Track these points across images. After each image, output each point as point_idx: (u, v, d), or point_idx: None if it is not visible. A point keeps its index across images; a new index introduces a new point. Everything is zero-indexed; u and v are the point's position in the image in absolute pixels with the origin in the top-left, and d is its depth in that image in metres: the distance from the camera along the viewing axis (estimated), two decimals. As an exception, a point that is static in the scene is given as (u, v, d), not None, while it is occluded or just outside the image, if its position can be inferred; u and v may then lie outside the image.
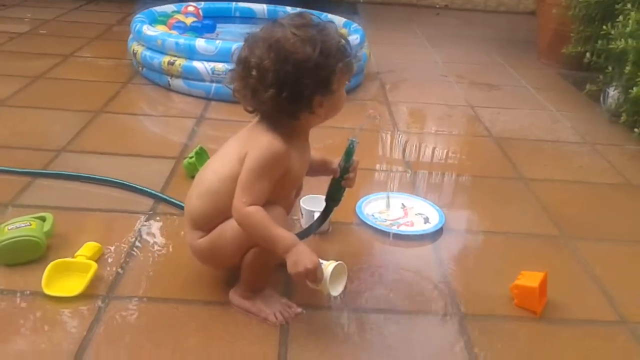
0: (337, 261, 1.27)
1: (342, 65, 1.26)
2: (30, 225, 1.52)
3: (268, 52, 1.21)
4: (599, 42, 2.82)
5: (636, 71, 2.49)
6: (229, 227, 1.30)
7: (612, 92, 2.89)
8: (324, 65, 1.22)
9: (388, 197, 1.89)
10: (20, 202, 1.78)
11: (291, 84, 1.21)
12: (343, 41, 1.28)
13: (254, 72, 1.23)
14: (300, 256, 1.23)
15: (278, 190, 1.31)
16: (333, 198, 1.48)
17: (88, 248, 1.52)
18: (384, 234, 1.76)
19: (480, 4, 5.40)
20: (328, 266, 1.25)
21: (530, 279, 1.48)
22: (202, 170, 1.42)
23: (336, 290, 1.27)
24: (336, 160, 1.44)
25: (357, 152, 1.41)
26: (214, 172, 1.35)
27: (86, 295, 1.39)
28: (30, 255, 1.49)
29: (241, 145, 1.31)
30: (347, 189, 1.47)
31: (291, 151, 1.29)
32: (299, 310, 1.39)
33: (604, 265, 1.70)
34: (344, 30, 3.20)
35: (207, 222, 1.35)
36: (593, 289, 1.60)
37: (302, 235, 1.51)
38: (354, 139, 1.40)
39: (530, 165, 2.32)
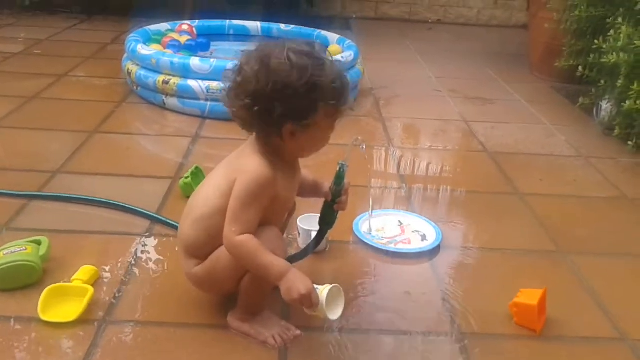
0: (332, 284, 1.26)
1: (325, 105, 1.23)
2: (26, 249, 1.51)
3: (257, 64, 1.23)
4: (591, 56, 2.84)
5: (628, 85, 2.51)
6: (224, 254, 1.30)
7: (605, 106, 2.91)
8: (303, 97, 1.21)
9: (370, 216, 1.86)
10: (15, 226, 1.77)
11: (264, 102, 1.22)
12: (339, 84, 1.25)
13: (238, 78, 1.25)
14: (293, 283, 1.23)
15: (269, 214, 1.31)
16: (326, 222, 1.48)
17: (84, 272, 1.51)
18: (382, 252, 1.75)
19: (472, 18, 5.45)
20: (323, 290, 1.24)
21: (529, 296, 1.47)
22: (193, 196, 1.41)
23: (334, 314, 1.26)
24: (327, 184, 1.44)
25: (352, 170, 1.41)
26: (204, 199, 1.35)
27: (83, 320, 1.38)
28: (26, 280, 1.48)
29: (229, 170, 1.32)
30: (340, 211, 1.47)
31: (278, 176, 1.29)
32: (298, 332, 1.38)
33: (601, 280, 1.70)
34: (337, 47, 3.21)
35: (200, 250, 1.35)
36: (591, 305, 1.60)
37: (297, 258, 1.51)
38: (344, 163, 1.39)
39: (526, 180, 2.33)
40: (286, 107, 1.22)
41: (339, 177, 1.40)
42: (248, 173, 1.26)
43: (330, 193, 1.43)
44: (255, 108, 1.24)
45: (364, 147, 1.38)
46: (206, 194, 1.35)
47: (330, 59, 1.28)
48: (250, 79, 1.23)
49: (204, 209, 1.33)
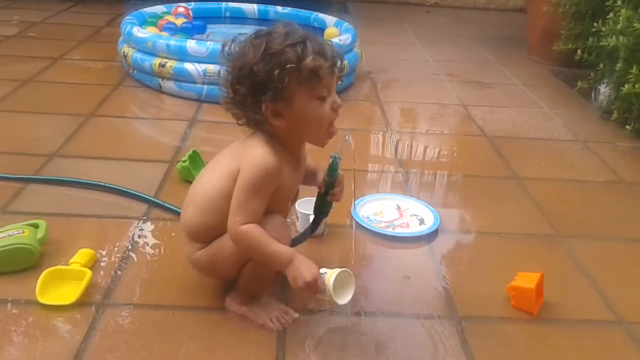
0: (341, 268, 1.26)
1: (287, 71, 1.19)
2: (23, 232, 1.51)
3: (226, 57, 1.27)
4: (590, 39, 2.84)
5: (627, 68, 2.50)
6: (227, 241, 1.29)
7: (604, 89, 2.91)
8: (259, 71, 1.20)
9: (353, 210, 1.78)
10: (12, 209, 1.76)
11: (234, 89, 1.25)
12: (299, 46, 1.20)
13: (224, 77, 1.29)
14: (299, 271, 1.23)
15: (273, 203, 1.30)
16: (320, 212, 1.47)
17: (82, 255, 1.50)
18: (379, 235, 1.76)
19: (469, 1, 5.41)
20: (331, 276, 1.24)
21: (526, 280, 1.48)
22: (196, 182, 1.40)
23: (344, 298, 1.26)
24: (322, 174, 1.43)
25: (348, 155, 1.40)
26: (207, 186, 1.34)
27: (81, 303, 1.38)
28: (23, 264, 1.48)
29: (233, 158, 1.30)
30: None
31: (283, 165, 1.28)
32: (296, 315, 1.38)
33: (598, 264, 1.71)
34: (334, 30, 3.19)
35: (203, 235, 1.34)
36: (588, 288, 1.61)
37: (292, 244, 1.51)
38: (336, 155, 1.37)
39: (524, 164, 2.33)
40: (249, 86, 1.22)
41: (332, 169, 1.39)
42: (253, 162, 1.25)
43: (324, 184, 1.42)
44: (236, 98, 1.25)
45: (350, 138, 1.36)
46: (209, 179, 1.34)
47: (295, 28, 1.24)
48: (226, 75, 1.27)
49: (207, 193, 1.32)
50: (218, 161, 1.37)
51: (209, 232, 1.33)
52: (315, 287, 1.23)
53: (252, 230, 1.24)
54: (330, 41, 1.32)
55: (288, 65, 1.19)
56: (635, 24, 2.43)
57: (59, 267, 1.46)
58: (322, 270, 1.26)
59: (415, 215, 1.88)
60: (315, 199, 1.48)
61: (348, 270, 1.28)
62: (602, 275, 1.66)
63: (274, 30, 1.23)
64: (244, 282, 1.37)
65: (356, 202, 1.89)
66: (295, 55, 1.20)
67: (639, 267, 1.74)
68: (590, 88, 3.03)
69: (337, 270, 1.25)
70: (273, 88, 1.21)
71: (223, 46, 1.28)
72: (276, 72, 1.19)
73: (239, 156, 1.29)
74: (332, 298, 1.24)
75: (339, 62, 1.27)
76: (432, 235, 1.79)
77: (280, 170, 1.27)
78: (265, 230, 1.25)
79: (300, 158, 1.38)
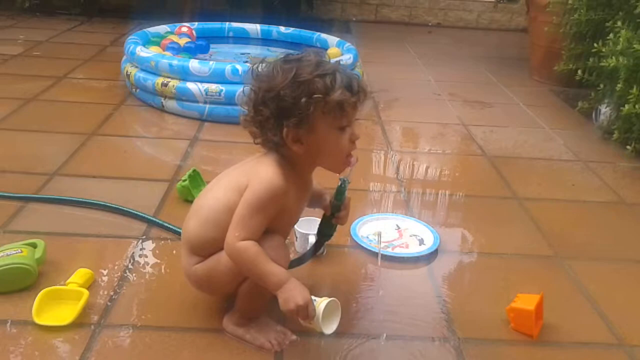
0: (330, 298, 1.26)
1: (313, 101, 1.21)
2: (22, 252, 1.51)
3: (253, 77, 1.27)
4: (591, 59, 2.84)
5: (627, 89, 2.50)
6: (225, 256, 1.29)
7: (604, 110, 2.91)
8: (286, 96, 1.22)
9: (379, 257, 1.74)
10: (11, 228, 1.76)
11: (257, 110, 1.26)
12: (328, 78, 1.22)
13: (247, 95, 1.29)
14: (291, 293, 1.22)
15: (275, 225, 1.30)
16: (324, 234, 1.47)
17: (80, 275, 1.50)
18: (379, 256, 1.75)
19: (472, 21, 5.45)
20: (320, 303, 1.23)
21: (526, 301, 1.47)
22: (203, 195, 1.40)
23: (329, 328, 1.26)
24: (328, 196, 1.43)
25: (352, 171, 1.40)
26: (213, 199, 1.34)
27: (78, 323, 1.38)
28: (21, 283, 1.48)
29: (242, 175, 1.31)
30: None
31: (290, 188, 1.28)
32: (294, 337, 1.37)
33: (599, 285, 1.70)
34: (336, 50, 3.21)
35: (204, 249, 1.34)
36: (589, 310, 1.60)
37: (293, 265, 1.50)
38: (345, 178, 1.38)
39: (524, 184, 2.32)
40: (273, 109, 1.23)
41: (340, 192, 1.39)
42: (262, 181, 1.26)
43: (330, 207, 1.42)
44: (256, 118, 1.27)
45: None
46: (216, 192, 1.34)
47: (326, 59, 1.27)
48: (250, 94, 1.28)
49: (212, 206, 1.33)
50: (228, 175, 1.37)
51: (209, 245, 1.33)
52: (305, 312, 1.22)
53: (250, 247, 1.24)
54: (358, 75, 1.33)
55: (315, 95, 1.21)
56: (635, 45, 2.44)
57: (56, 287, 1.46)
58: (312, 297, 1.25)
59: (415, 235, 1.88)
60: (319, 220, 1.48)
61: (336, 300, 1.27)
62: (603, 297, 1.64)
63: (305, 58, 1.25)
64: (242, 302, 1.36)
65: (356, 221, 1.89)
66: (324, 86, 1.22)
67: (639, 289, 1.72)
68: (591, 108, 3.03)
69: (326, 299, 1.25)
70: (298, 115, 1.22)
71: (252, 65, 1.29)
72: (303, 100, 1.21)
73: (248, 173, 1.30)
74: (319, 326, 1.23)
75: (363, 97, 1.29)
76: (431, 256, 1.78)
77: (287, 192, 1.27)
78: (263, 249, 1.25)
79: (307, 182, 1.39)
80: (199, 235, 1.34)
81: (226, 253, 1.27)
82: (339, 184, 1.38)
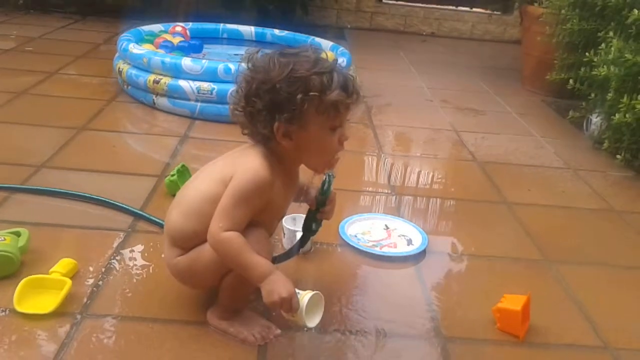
0: (313, 291, 1.24)
1: (308, 98, 1.20)
2: (4, 240, 1.49)
3: (248, 66, 1.25)
4: (582, 69, 2.86)
5: (618, 98, 2.52)
6: (207, 249, 1.27)
7: (595, 119, 2.92)
8: (283, 90, 1.20)
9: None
10: (-4, 218, 1.74)
11: (252, 101, 1.24)
12: (325, 76, 1.21)
13: (239, 84, 1.28)
14: (275, 285, 1.21)
15: (260, 218, 1.29)
16: (309, 229, 1.46)
17: (63, 264, 1.48)
18: (367, 255, 1.74)
19: (466, 32, 5.48)
20: (304, 296, 1.22)
21: (512, 302, 1.46)
22: (185, 186, 1.39)
23: (312, 322, 1.24)
24: (314, 191, 1.42)
25: (342, 173, 1.39)
26: (196, 190, 1.33)
27: (60, 313, 1.36)
28: (3, 271, 1.46)
29: (228, 166, 1.30)
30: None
31: (276, 181, 1.27)
32: (278, 331, 1.36)
33: (586, 289, 1.70)
34: (330, 54, 3.20)
35: (186, 241, 1.32)
36: (575, 313, 1.59)
37: (279, 260, 1.49)
38: (330, 173, 1.37)
39: (514, 190, 2.32)
40: (266, 102, 1.22)
41: (324, 186, 1.38)
42: (247, 172, 1.25)
43: (315, 202, 1.41)
44: (247, 109, 1.25)
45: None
46: (199, 186, 1.33)
47: (324, 57, 1.25)
48: (243, 83, 1.26)
49: (194, 200, 1.31)
50: (212, 166, 1.36)
51: (191, 237, 1.31)
52: (289, 304, 1.20)
53: (234, 238, 1.22)
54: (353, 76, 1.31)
55: (311, 93, 1.20)
56: (626, 55, 2.45)
57: (38, 275, 1.44)
58: (295, 290, 1.24)
59: (403, 235, 1.87)
60: (304, 213, 1.47)
61: (320, 293, 1.26)
62: (590, 301, 1.64)
63: (303, 53, 1.24)
64: (225, 295, 1.34)
65: (344, 220, 1.88)
66: (321, 85, 1.21)
67: (626, 293, 1.72)
68: (582, 117, 3.05)
69: (310, 292, 1.23)
70: (291, 110, 1.21)
71: (247, 54, 1.27)
72: (299, 96, 1.19)
73: (234, 164, 1.29)
74: (302, 318, 1.22)
75: (356, 98, 1.28)
76: (419, 256, 1.77)
77: (272, 185, 1.26)
78: (247, 241, 1.24)
79: (294, 177, 1.37)
80: (181, 227, 1.32)
81: (209, 244, 1.25)
82: (324, 178, 1.37)
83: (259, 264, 1.23)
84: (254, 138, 1.30)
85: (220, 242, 1.23)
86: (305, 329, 1.31)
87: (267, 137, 1.26)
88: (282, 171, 1.30)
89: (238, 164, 1.28)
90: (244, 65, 1.27)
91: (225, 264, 1.27)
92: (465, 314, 1.53)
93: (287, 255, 1.52)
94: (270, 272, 1.23)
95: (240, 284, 1.31)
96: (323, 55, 1.27)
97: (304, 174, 1.42)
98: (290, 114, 1.21)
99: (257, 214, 1.27)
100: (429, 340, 1.42)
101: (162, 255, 1.41)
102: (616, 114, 2.50)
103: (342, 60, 2.98)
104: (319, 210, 1.41)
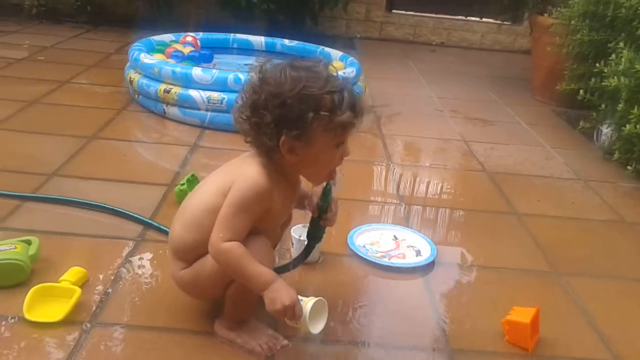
0: (317, 297, 1.24)
1: (318, 117, 1.20)
2: (15, 248, 1.50)
3: (257, 77, 1.24)
4: (592, 80, 2.85)
5: (629, 109, 2.50)
6: (210, 261, 1.27)
7: (606, 130, 2.91)
8: (293, 106, 1.20)
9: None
10: (7, 225, 1.75)
11: (259, 113, 1.23)
12: (337, 96, 1.21)
13: (243, 91, 1.27)
14: (278, 293, 1.21)
15: (261, 226, 1.29)
16: (313, 237, 1.46)
17: (73, 273, 1.49)
18: (375, 265, 1.74)
19: (476, 42, 5.47)
20: (307, 302, 1.22)
21: (521, 314, 1.45)
22: (187, 198, 1.40)
23: (316, 328, 1.24)
24: (316, 198, 1.42)
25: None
26: (196, 201, 1.33)
27: (69, 321, 1.36)
28: (14, 279, 1.47)
29: (226, 176, 1.30)
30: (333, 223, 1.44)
31: (275, 189, 1.27)
32: (285, 342, 1.36)
33: (596, 302, 1.68)
34: (339, 64, 3.22)
35: (188, 253, 1.33)
36: (585, 326, 1.58)
37: (285, 270, 1.49)
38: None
39: (523, 201, 2.32)
40: (276, 117, 1.21)
41: (325, 193, 1.38)
42: (245, 181, 1.25)
43: (317, 209, 1.41)
44: (253, 119, 1.24)
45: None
46: (201, 195, 1.33)
47: (335, 74, 1.26)
48: (250, 92, 1.25)
49: (196, 212, 1.31)
50: (212, 177, 1.36)
51: (193, 249, 1.31)
52: (292, 312, 1.20)
53: (234, 247, 1.23)
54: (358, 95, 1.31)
55: (322, 112, 1.20)
56: (636, 66, 2.44)
57: (48, 284, 1.45)
58: (298, 297, 1.23)
59: (412, 246, 1.86)
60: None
61: (323, 299, 1.26)
62: (600, 314, 1.63)
63: (315, 69, 1.23)
64: (230, 305, 1.35)
65: (353, 230, 1.88)
66: (331, 104, 1.21)
67: (637, 306, 1.71)
68: (592, 128, 3.04)
69: (313, 299, 1.23)
70: (300, 127, 1.21)
71: (258, 63, 1.26)
72: (310, 114, 1.19)
73: (232, 173, 1.29)
74: (306, 325, 1.22)
75: (362, 116, 1.28)
76: (428, 267, 1.77)
77: (271, 193, 1.26)
78: (248, 250, 1.24)
79: (294, 184, 1.37)
80: (182, 239, 1.33)
81: (210, 255, 1.26)
82: (325, 185, 1.37)
83: (261, 273, 1.23)
84: (257, 147, 1.30)
85: (221, 253, 1.24)
86: (310, 335, 1.31)
87: (271, 149, 1.27)
88: (282, 178, 1.30)
89: (236, 173, 1.28)
90: (252, 74, 1.26)
91: (227, 274, 1.28)
92: (474, 326, 1.52)
93: (293, 264, 1.52)
94: (272, 280, 1.23)
95: (243, 294, 1.31)
96: (333, 70, 1.27)
97: (306, 181, 1.42)
98: (298, 131, 1.21)
99: (257, 222, 1.27)
100: (437, 352, 1.41)
101: (169, 267, 1.41)
102: (627, 125, 2.49)
103: (351, 71, 2.99)
104: (322, 217, 1.41)
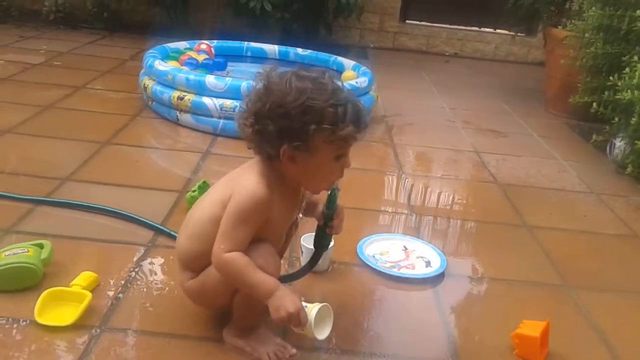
0: (321, 303, 1.25)
1: (320, 130, 1.20)
2: (28, 252, 1.51)
3: (262, 85, 1.25)
4: (606, 93, 2.85)
5: (643, 123, 2.49)
6: (214, 271, 1.28)
7: (619, 143, 2.90)
8: (296, 118, 1.20)
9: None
10: (20, 229, 1.77)
11: (262, 121, 1.23)
12: (340, 110, 1.21)
13: (248, 98, 1.27)
14: (282, 300, 1.21)
15: (263, 234, 1.29)
16: (320, 245, 1.45)
17: (84, 277, 1.50)
18: (384, 276, 1.74)
19: (489, 53, 5.47)
20: (312, 309, 1.23)
21: (531, 328, 1.45)
22: (192, 209, 1.41)
23: (322, 334, 1.25)
24: (322, 206, 1.42)
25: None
26: (200, 212, 1.34)
27: (79, 325, 1.38)
28: (26, 283, 1.48)
29: (227, 185, 1.31)
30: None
31: (274, 199, 1.27)
32: (294, 351, 1.36)
33: (606, 316, 1.67)
34: (352, 73, 3.23)
35: (194, 262, 1.34)
36: (595, 340, 1.57)
37: (293, 278, 1.49)
38: (335, 187, 1.37)
39: (535, 213, 2.30)
40: (279, 127, 1.21)
41: (330, 201, 1.38)
42: (244, 191, 1.25)
43: (322, 217, 1.41)
44: (256, 127, 1.25)
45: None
46: (203, 206, 1.34)
47: (340, 86, 1.26)
48: (254, 99, 1.25)
49: (199, 223, 1.32)
50: (215, 187, 1.37)
51: (198, 259, 1.32)
52: (297, 319, 1.21)
53: (236, 258, 1.23)
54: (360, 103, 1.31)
55: (324, 125, 1.21)
56: (651, 79, 2.44)
57: (59, 288, 1.46)
58: (303, 303, 1.24)
59: (421, 257, 1.86)
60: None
61: (328, 305, 1.26)
62: (611, 329, 1.61)
63: (320, 80, 1.23)
64: (237, 312, 1.35)
65: (363, 240, 1.88)
66: (335, 118, 1.21)
67: (649, 322, 1.69)
68: (605, 141, 3.02)
69: (318, 305, 1.24)
70: (303, 139, 1.21)
71: (264, 70, 1.26)
72: (312, 127, 1.20)
73: (233, 183, 1.30)
74: (312, 332, 1.22)
75: (364, 129, 1.28)
76: (437, 278, 1.76)
77: (270, 202, 1.26)
78: (251, 257, 1.24)
79: (296, 191, 1.37)
80: (187, 249, 1.34)
81: (214, 266, 1.27)
82: (329, 192, 1.37)
83: (264, 282, 1.24)
84: (259, 154, 1.31)
85: (223, 264, 1.24)
86: (316, 341, 1.31)
87: (272, 156, 1.27)
88: (282, 186, 1.30)
89: (236, 183, 1.29)
90: (259, 82, 1.27)
91: (231, 284, 1.28)
92: (483, 339, 1.52)
93: (301, 273, 1.52)
94: (275, 288, 1.23)
95: (249, 302, 1.31)
96: (338, 82, 1.27)
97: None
98: (300, 142, 1.22)
99: (259, 230, 1.28)
100: (446, 364, 1.41)
101: (177, 277, 1.42)
102: (640, 139, 2.48)
103: (363, 80, 3.00)
104: (327, 225, 1.42)
